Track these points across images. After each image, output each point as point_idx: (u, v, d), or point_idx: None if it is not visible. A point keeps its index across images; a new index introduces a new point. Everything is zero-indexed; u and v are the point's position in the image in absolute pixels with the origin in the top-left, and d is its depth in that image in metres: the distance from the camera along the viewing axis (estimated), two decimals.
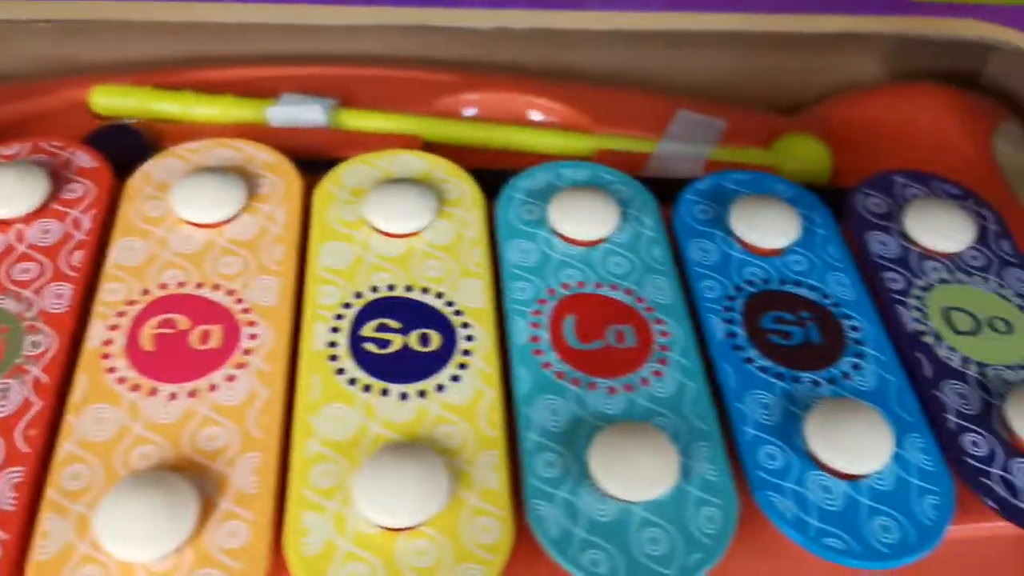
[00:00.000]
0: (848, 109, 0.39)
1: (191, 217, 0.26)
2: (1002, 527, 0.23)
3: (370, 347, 0.24)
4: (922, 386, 0.25)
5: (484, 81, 0.36)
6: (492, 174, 0.30)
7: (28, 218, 0.26)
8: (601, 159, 0.34)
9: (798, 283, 0.27)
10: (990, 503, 0.22)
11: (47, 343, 0.23)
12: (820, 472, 0.22)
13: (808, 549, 0.21)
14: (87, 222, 0.26)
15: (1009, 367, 0.25)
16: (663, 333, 0.25)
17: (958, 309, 0.27)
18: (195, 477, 0.21)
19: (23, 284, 0.24)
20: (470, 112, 0.35)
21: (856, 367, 0.25)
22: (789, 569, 0.22)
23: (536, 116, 0.36)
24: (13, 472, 0.21)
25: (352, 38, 0.37)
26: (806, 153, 0.35)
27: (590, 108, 0.36)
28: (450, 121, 0.34)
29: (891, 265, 0.27)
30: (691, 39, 0.40)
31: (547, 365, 0.24)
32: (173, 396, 0.22)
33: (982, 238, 0.29)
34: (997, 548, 0.24)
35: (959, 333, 0.26)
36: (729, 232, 0.28)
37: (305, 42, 0.37)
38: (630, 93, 0.38)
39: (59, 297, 0.24)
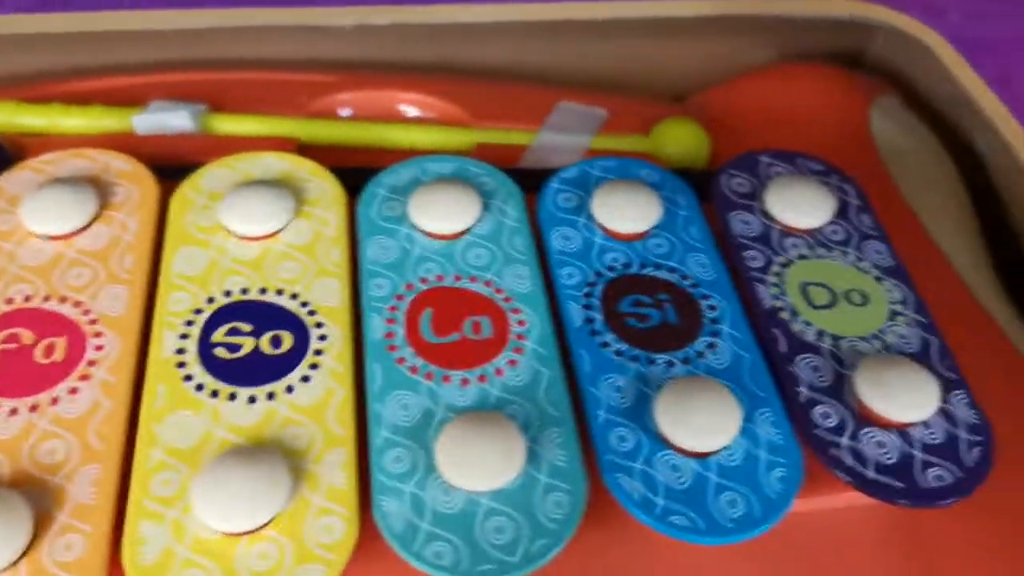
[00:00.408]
0: (731, 94, 0.39)
1: (39, 230, 0.25)
2: (856, 497, 0.24)
3: (220, 352, 0.24)
4: (778, 361, 0.25)
5: (360, 80, 0.35)
6: (362, 173, 0.29)
7: None
8: (480, 153, 0.34)
9: (658, 266, 0.27)
10: (839, 473, 0.23)
11: None
12: (669, 451, 0.23)
13: (654, 528, 0.21)
14: None
15: (863, 338, 0.26)
16: (520, 322, 0.25)
17: (816, 284, 0.27)
18: (31, 492, 0.20)
19: None
20: (347, 112, 0.35)
21: (711, 346, 0.25)
22: (639, 550, 0.23)
23: (415, 113, 0.36)
24: None
25: (231, 42, 0.37)
26: (683, 137, 0.35)
27: (469, 103, 0.36)
28: (325, 121, 0.34)
29: (752, 243, 0.28)
30: (574, 29, 0.40)
31: (401, 360, 0.24)
32: (14, 411, 0.22)
33: (843, 213, 0.29)
34: (852, 519, 0.24)
35: (815, 307, 0.26)
36: (591, 219, 0.28)
37: (180, 49, 0.36)
38: (510, 86, 0.38)
39: None
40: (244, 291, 0.25)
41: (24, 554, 0.20)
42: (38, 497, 0.20)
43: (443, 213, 0.27)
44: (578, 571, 0.22)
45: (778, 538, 0.23)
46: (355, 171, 0.29)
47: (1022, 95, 0.35)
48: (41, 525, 0.20)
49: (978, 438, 0.24)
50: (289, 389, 0.23)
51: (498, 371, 0.24)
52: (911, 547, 0.24)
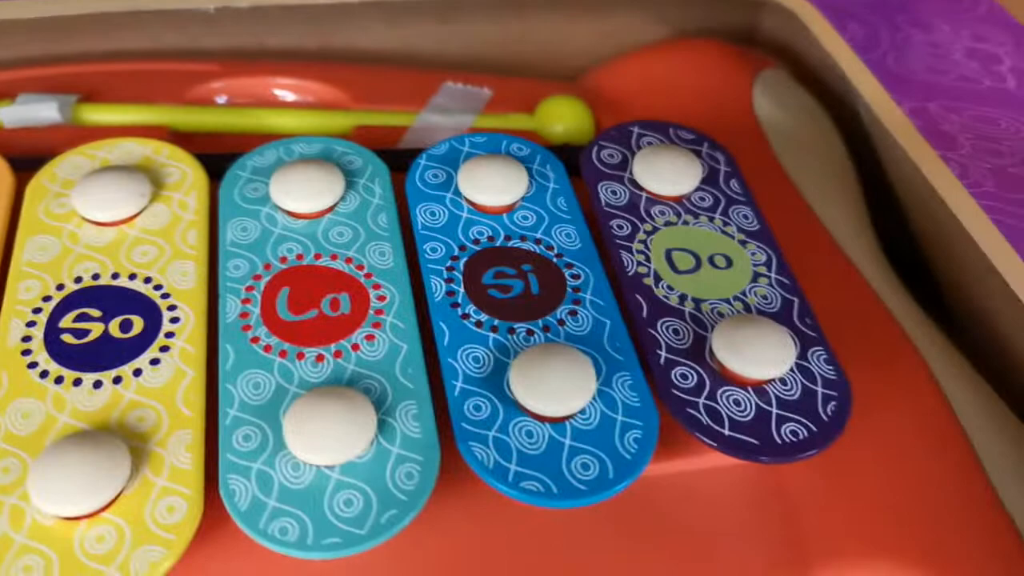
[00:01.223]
0: (619, 70, 0.39)
1: None
2: (716, 457, 0.24)
3: (67, 338, 0.23)
4: (639, 326, 0.25)
5: (236, 67, 0.35)
6: (231, 158, 0.29)
7: None
8: (359, 136, 0.34)
9: (524, 238, 0.27)
10: (695, 432, 0.23)
11: None
12: (524, 418, 0.22)
13: (508, 495, 0.21)
14: None
15: (725, 300, 0.26)
16: (380, 298, 0.25)
17: (681, 249, 0.27)
18: None
19: None
20: (224, 100, 0.35)
21: (572, 313, 0.25)
22: (496, 517, 0.23)
23: (293, 98, 0.35)
24: None
25: (102, 34, 0.36)
26: (567, 114, 0.35)
27: (349, 87, 0.35)
28: (199, 108, 0.34)
29: (619, 213, 0.28)
30: (466, 9, 0.40)
31: (255, 340, 0.24)
32: None
33: (711, 180, 0.29)
34: (714, 479, 0.24)
35: (679, 272, 0.26)
36: (458, 193, 0.28)
37: (51, 42, 0.36)
38: (393, 70, 0.37)
39: None
40: (96, 276, 0.24)
41: None
42: None
43: (304, 192, 0.26)
44: (433, 542, 0.22)
45: (640, 501, 0.23)
46: (224, 157, 0.29)
47: (888, 58, 0.35)
48: None
49: (834, 393, 0.24)
50: (137, 372, 0.23)
51: (355, 346, 0.24)
52: (772, 503, 0.24)
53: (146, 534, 0.20)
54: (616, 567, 0.23)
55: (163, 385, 0.22)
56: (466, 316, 0.25)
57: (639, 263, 0.26)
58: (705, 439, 0.23)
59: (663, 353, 0.24)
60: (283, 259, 0.26)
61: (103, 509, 0.20)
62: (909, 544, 0.24)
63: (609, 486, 0.22)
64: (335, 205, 0.27)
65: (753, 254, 0.27)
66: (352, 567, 0.21)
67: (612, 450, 0.22)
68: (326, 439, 0.21)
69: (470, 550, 0.23)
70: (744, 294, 0.26)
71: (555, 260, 0.26)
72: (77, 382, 0.22)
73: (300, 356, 0.23)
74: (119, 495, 0.20)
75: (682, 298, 0.26)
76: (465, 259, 0.26)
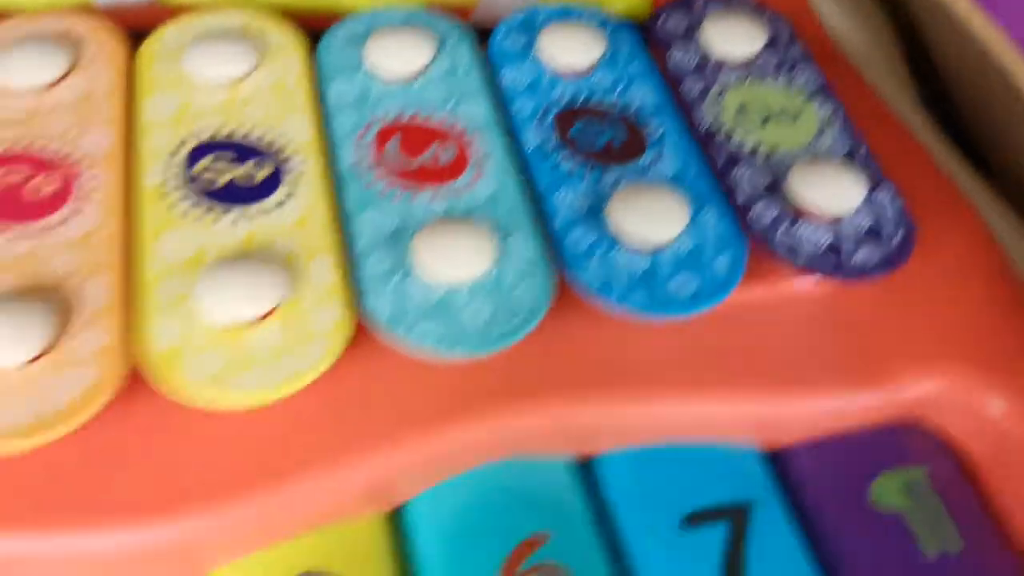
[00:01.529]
0: None
1: (13, 84, 0.27)
2: (793, 285, 0.26)
3: (202, 180, 0.25)
4: (719, 173, 0.27)
5: None
6: (323, 29, 0.31)
7: None
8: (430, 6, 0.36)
9: (604, 97, 0.29)
10: (778, 254, 0.25)
11: None
12: (624, 246, 0.25)
13: (615, 307, 0.24)
14: None
15: (795, 149, 0.28)
16: (479, 148, 0.27)
17: (751, 106, 0.29)
18: (45, 301, 0.22)
19: None
20: None
21: (656, 160, 0.27)
22: (601, 330, 0.25)
23: None
24: None
25: None
26: None
27: None
28: None
29: (690, 75, 0.30)
30: None
31: (372, 183, 0.26)
32: (17, 237, 0.23)
33: (774, 42, 0.31)
34: (790, 304, 0.27)
35: (751, 127, 0.28)
36: (538, 58, 0.30)
37: None
38: None
39: None
40: (216, 132, 0.26)
41: (44, 354, 0.21)
42: (51, 305, 0.22)
43: (398, 55, 0.28)
44: (545, 351, 0.24)
45: (721, 320, 0.26)
46: (318, 27, 0.31)
47: None
48: (58, 329, 0.22)
49: (900, 226, 0.26)
50: (271, 208, 0.25)
51: (465, 186, 0.26)
52: (842, 325, 0.27)
53: (306, 337, 0.22)
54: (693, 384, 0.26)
55: (296, 221, 0.25)
56: (560, 162, 0.27)
57: (712, 119, 0.29)
58: (786, 257, 0.25)
59: (743, 190, 0.27)
60: (384, 116, 0.28)
61: (265, 316, 0.22)
62: (967, 359, 0.26)
63: (707, 299, 0.24)
64: (427, 67, 0.29)
65: (818, 109, 0.29)
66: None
67: (706, 270, 0.25)
68: (454, 260, 0.23)
69: (571, 365, 0.25)
70: (812, 144, 0.28)
71: (635, 116, 0.28)
72: (217, 219, 0.24)
73: (415, 196, 0.25)
74: (277, 306, 0.22)
75: (755, 149, 0.28)
76: (552, 115, 0.28)
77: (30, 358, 0.21)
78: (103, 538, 0.21)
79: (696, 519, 0.24)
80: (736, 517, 0.24)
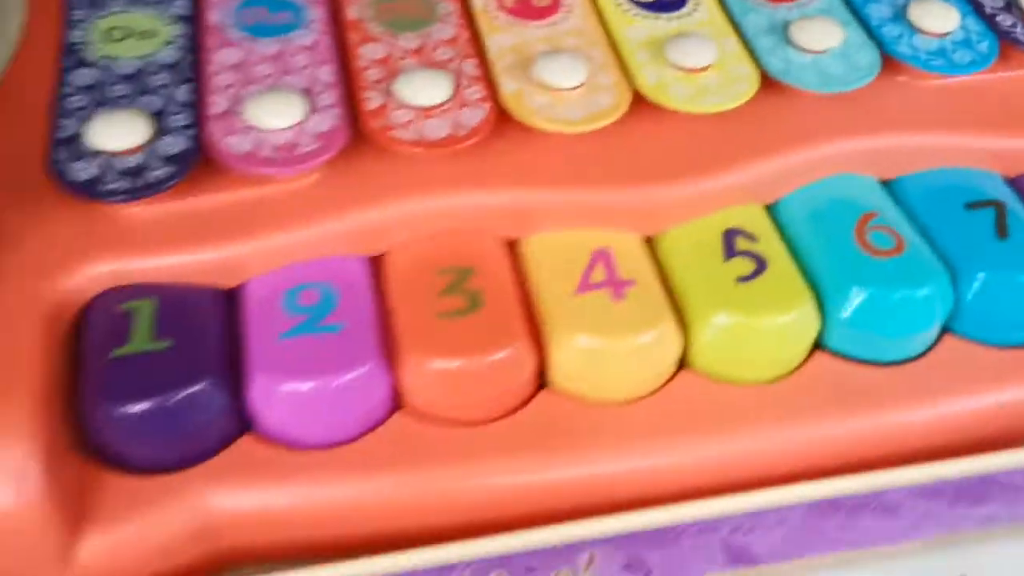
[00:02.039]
0: None
1: None
2: None
3: None
4: None
5: None
6: None
7: None
8: None
9: None
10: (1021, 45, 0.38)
11: None
12: (920, 34, 0.38)
13: (922, 72, 0.37)
14: None
15: None
16: None
17: None
18: (574, 56, 0.36)
19: None
20: None
21: None
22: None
23: None
24: None
25: None
26: None
27: None
28: None
29: None
30: None
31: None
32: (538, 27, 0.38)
33: None
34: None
35: None
36: None
37: None
38: None
39: None
40: None
41: (582, 85, 0.35)
42: (578, 58, 0.36)
43: None
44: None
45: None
46: None
47: None
48: (588, 72, 0.36)
49: None
50: (684, 16, 0.39)
51: None
52: None
53: (731, 80, 0.36)
54: None
55: (705, 20, 0.38)
56: None
57: None
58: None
59: (989, 5, 0.40)
60: None
61: (704, 68, 0.36)
62: None
63: (976, 66, 0.37)
64: None
65: None
66: None
67: (973, 49, 0.38)
68: (823, 38, 0.37)
69: None
70: None
71: None
72: (657, 19, 0.38)
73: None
74: (711, 64, 0.36)
75: None
76: None
77: (576, 85, 0.35)
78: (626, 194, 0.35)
79: (972, 206, 0.37)
80: (998, 207, 0.37)
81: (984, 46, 0.38)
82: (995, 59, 0.38)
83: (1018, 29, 0.39)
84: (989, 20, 0.39)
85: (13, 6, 0.40)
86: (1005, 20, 0.39)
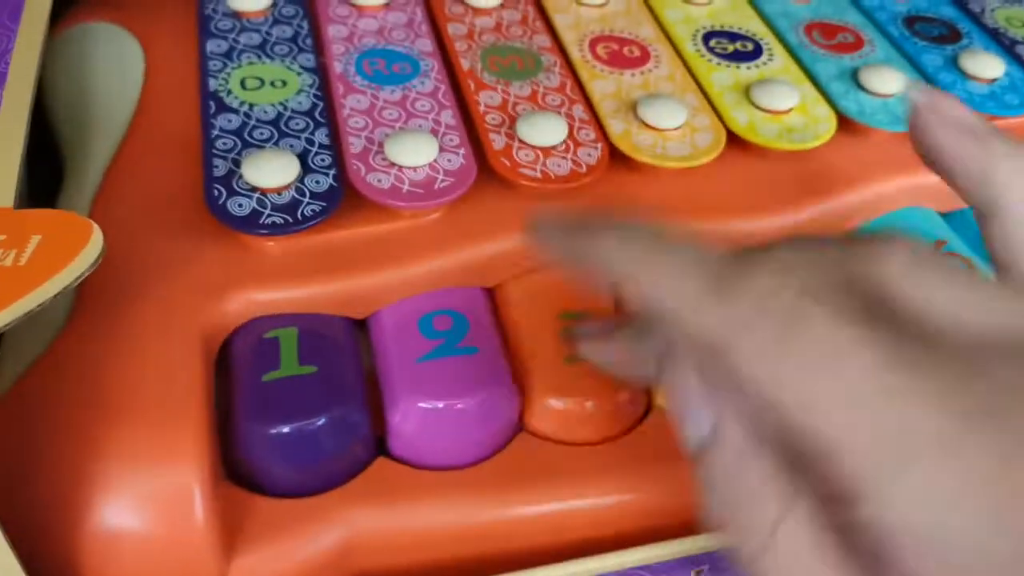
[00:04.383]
0: None
1: None
2: None
3: (716, 49, 0.43)
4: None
5: None
6: None
7: None
8: None
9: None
10: None
11: None
12: (971, 80, 0.42)
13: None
14: None
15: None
16: None
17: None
18: (667, 102, 0.40)
19: None
20: None
21: (971, 42, 0.45)
22: None
23: None
24: None
25: None
26: None
27: None
28: None
29: None
30: None
31: (804, 47, 0.44)
32: (632, 75, 0.41)
33: None
34: None
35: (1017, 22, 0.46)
36: None
37: None
38: None
39: None
40: (712, 26, 0.44)
41: (683, 125, 0.39)
42: (673, 103, 0.40)
43: None
44: None
45: None
46: None
47: None
48: (687, 113, 0.39)
49: None
50: (760, 65, 0.43)
51: None
52: None
53: (814, 121, 0.40)
54: None
55: (779, 68, 0.42)
56: (917, 43, 0.45)
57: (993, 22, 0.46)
58: None
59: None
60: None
61: (788, 111, 0.40)
62: None
63: (1018, 109, 0.42)
64: None
65: None
66: None
67: (1019, 92, 0.42)
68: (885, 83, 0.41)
69: None
70: None
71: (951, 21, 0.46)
72: (737, 67, 0.42)
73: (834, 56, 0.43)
74: (794, 105, 0.40)
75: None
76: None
77: (678, 126, 0.39)
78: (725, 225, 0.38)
79: None
80: None
81: None
82: None
83: None
84: None
85: (130, 53, 0.43)
86: None
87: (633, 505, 0.33)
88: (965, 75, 0.43)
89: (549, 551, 0.33)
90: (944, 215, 0.41)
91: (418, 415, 0.32)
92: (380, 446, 0.34)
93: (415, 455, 0.33)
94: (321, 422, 0.31)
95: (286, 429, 0.31)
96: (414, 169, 0.36)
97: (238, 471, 0.32)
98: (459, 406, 0.33)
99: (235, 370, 0.33)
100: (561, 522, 0.33)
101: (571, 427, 0.33)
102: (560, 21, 0.44)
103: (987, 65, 0.42)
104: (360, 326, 0.36)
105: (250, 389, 0.32)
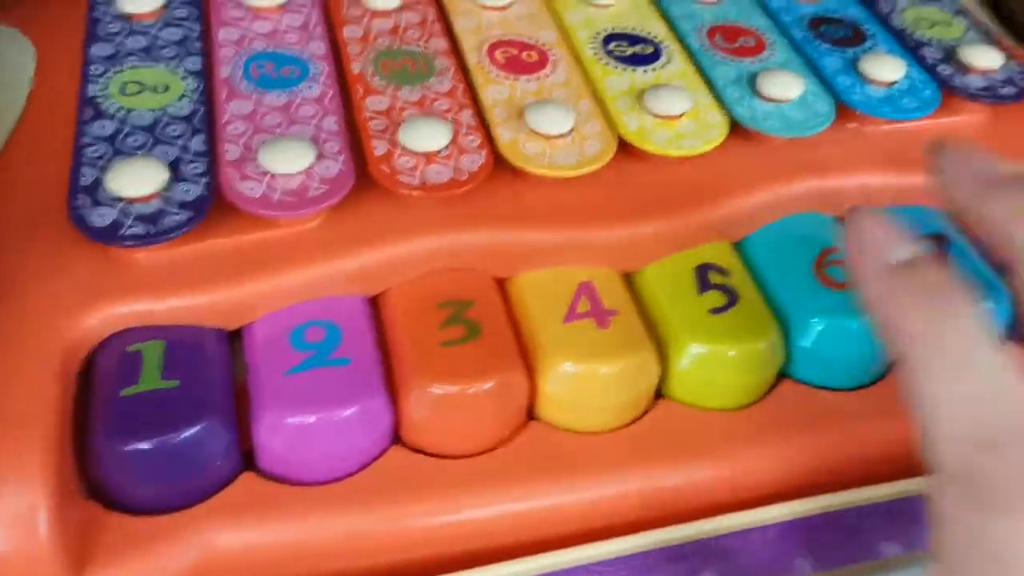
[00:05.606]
0: None
1: None
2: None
3: (615, 52, 0.42)
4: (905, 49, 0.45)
5: None
6: None
7: None
8: None
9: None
10: (956, 91, 0.42)
11: None
12: (870, 83, 0.42)
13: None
14: None
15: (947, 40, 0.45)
16: None
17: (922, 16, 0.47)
18: (564, 107, 0.39)
19: None
20: None
21: (875, 44, 0.45)
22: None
23: None
24: None
25: None
26: None
27: None
28: None
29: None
30: None
31: (706, 52, 0.43)
32: (531, 80, 0.41)
33: None
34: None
35: (925, 28, 0.46)
36: None
37: None
38: None
39: None
40: (612, 29, 0.44)
41: (571, 131, 0.38)
42: (566, 109, 0.39)
43: None
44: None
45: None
46: None
47: None
48: (576, 118, 0.39)
49: None
50: (657, 68, 0.42)
51: None
52: None
53: (706, 127, 0.39)
54: None
55: (677, 72, 0.42)
56: (819, 47, 0.44)
57: (903, 26, 0.46)
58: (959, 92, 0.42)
59: (931, 57, 0.44)
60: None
61: (679, 116, 0.39)
62: None
63: (919, 112, 0.41)
64: None
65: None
66: None
67: (917, 96, 0.42)
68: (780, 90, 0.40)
69: None
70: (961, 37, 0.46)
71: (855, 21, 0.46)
72: (633, 72, 0.42)
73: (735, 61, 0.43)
74: (686, 111, 0.39)
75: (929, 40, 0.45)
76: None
77: (565, 132, 0.38)
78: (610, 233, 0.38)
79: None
80: (940, 239, 0.41)
81: (928, 93, 0.42)
82: (938, 105, 0.42)
83: (958, 77, 0.43)
84: (931, 70, 0.43)
85: (22, 56, 0.42)
86: (945, 70, 0.43)
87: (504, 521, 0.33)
88: (864, 78, 0.42)
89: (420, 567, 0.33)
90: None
91: (279, 429, 0.32)
92: (251, 460, 0.33)
93: (282, 469, 0.33)
94: (173, 438, 0.31)
95: (138, 445, 0.30)
96: (288, 177, 0.35)
97: (97, 488, 0.31)
98: (322, 419, 0.32)
99: (95, 385, 0.32)
100: (434, 535, 0.33)
101: (450, 426, 0.33)
102: (460, 24, 0.43)
103: (886, 68, 0.42)
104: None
105: (107, 404, 0.31)
